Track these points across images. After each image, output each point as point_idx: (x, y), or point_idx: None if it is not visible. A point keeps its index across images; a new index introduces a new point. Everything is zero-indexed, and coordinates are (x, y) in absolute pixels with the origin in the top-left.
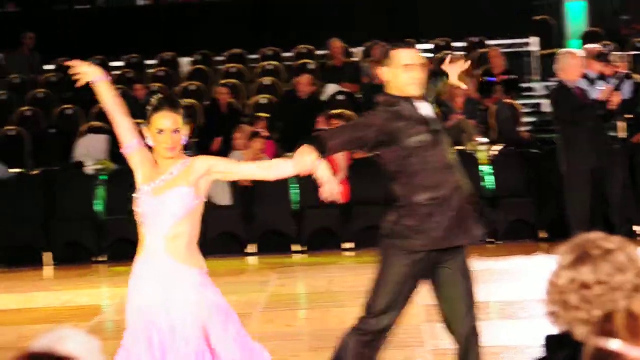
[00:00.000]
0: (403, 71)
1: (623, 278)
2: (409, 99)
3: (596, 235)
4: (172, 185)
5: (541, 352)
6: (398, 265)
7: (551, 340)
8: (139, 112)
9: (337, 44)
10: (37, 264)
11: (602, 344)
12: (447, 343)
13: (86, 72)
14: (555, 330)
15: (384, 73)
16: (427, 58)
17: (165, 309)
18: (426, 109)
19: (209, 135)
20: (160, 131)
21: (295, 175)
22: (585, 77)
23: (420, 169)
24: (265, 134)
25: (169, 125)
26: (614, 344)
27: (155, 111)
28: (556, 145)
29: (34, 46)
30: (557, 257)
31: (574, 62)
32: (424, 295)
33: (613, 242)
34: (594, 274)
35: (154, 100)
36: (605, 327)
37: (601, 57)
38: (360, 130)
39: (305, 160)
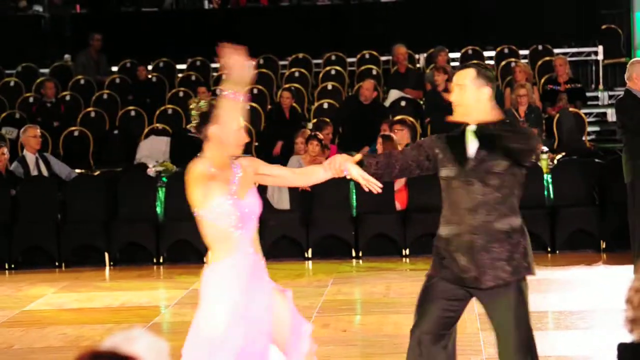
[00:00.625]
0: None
1: None
2: (464, 127)
3: None
4: (245, 187)
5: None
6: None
7: (625, 349)
8: None
9: (401, 49)
10: (98, 263)
11: None
12: None
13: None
14: (627, 339)
15: None
16: (492, 65)
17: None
18: (473, 145)
19: (270, 139)
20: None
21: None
22: None
23: (448, 202)
24: (322, 137)
25: (242, 123)
26: None
27: None
28: (620, 155)
29: (101, 48)
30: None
31: None
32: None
33: None
34: None
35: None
36: None
37: None
38: (413, 148)
39: (334, 161)
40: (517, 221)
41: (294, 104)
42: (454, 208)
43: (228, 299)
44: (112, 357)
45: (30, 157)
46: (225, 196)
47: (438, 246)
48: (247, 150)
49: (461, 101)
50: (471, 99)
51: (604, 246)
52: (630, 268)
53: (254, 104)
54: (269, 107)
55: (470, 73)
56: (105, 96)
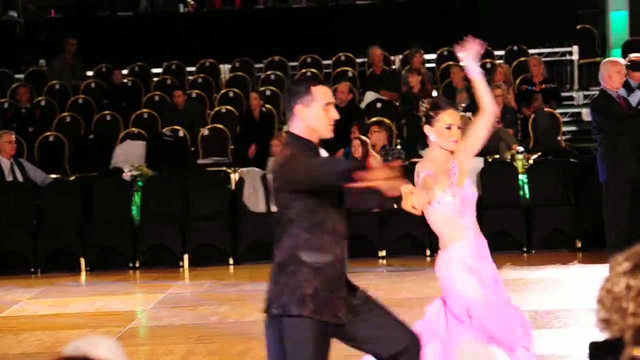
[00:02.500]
0: None
1: None
2: None
3: None
4: (462, 176)
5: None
6: None
7: (596, 347)
8: (178, 118)
9: (376, 51)
10: (74, 269)
11: (637, 353)
12: None
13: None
14: (599, 337)
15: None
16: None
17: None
18: None
19: (245, 142)
20: (449, 127)
21: None
22: (625, 86)
23: None
24: None
25: (456, 121)
26: None
27: (442, 110)
28: (595, 154)
29: (76, 52)
30: (612, 265)
31: (616, 70)
32: None
33: None
34: None
35: (435, 101)
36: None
37: (633, 66)
38: None
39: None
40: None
41: (267, 106)
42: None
43: (471, 271)
44: None
45: (5, 162)
46: (448, 188)
47: None
48: (223, 153)
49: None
50: None
51: (579, 245)
52: (605, 267)
53: (229, 107)
54: (244, 110)
55: None
56: (80, 101)
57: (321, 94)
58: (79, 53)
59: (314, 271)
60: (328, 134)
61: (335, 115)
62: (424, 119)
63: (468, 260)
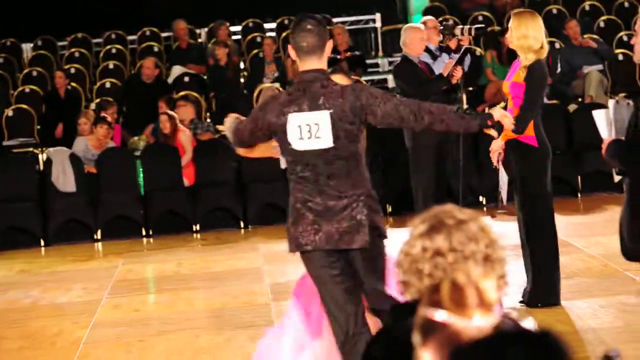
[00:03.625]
0: None
1: (475, 247)
2: None
3: (450, 207)
4: None
5: (387, 320)
6: None
7: (397, 309)
8: None
9: (181, 25)
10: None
11: (430, 314)
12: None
13: None
14: (401, 300)
15: None
16: (273, 37)
17: None
18: None
19: (51, 122)
20: None
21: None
22: (427, 50)
23: None
24: (109, 119)
25: None
26: (440, 315)
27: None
28: None
29: None
30: (410, 228)
31: (418, 36)
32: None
33: (466, 213)
34: (447, 242)
35: None
36: (433, 297)
37: (446, 30)
38: None
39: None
40: None
41: (72, 84)
42: None
43: None
44: None
45: None
46: None
47: None
48: (29, 133)
49: None
50: None
51: (389, 210)
52: None
53: (33, 87)
54: (49, 89)
55: None
56: None
57: None
58: None
59: None
60: None
61: None
62: None
63: None
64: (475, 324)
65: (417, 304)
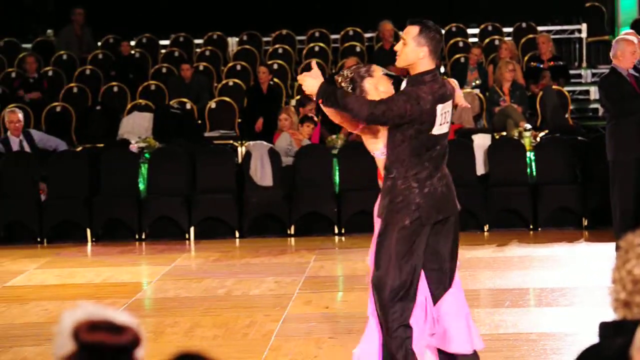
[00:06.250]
0: None
1: None
2: None
3: None
4: None
5: (595, 338)
6: None
7: (606, 327)
8: (185, 91)
9: (387, 26)
10: (80, 239)
11: None
12: None
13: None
14: (608, 318)
15: None
16: (477, 43)
17: None
18: None
19: (252, 116)
20: None
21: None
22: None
23: None
24: (316, 119)
25: None
26: None
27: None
28: (602, 132)
29: (84, 22)
30: (630, 246)
31: (630, 49)
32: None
33: None
34: None
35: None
36: None
37: None
38: None
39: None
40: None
41: (275, 80)
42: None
43: None
44: (109, 326)
45: (14, 140)
46: None
47: None
48: (230, 126)
49: (400, 53)
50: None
51: (585, 223)
52: (611, 246)
53: (237, 80)
54: (252, 83)
55: (413, 30)
56: (87, 72)
57: None
58: (87, 23)
59: None
60: None
61: None
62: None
63: None
64: None
65: (627, 323)
